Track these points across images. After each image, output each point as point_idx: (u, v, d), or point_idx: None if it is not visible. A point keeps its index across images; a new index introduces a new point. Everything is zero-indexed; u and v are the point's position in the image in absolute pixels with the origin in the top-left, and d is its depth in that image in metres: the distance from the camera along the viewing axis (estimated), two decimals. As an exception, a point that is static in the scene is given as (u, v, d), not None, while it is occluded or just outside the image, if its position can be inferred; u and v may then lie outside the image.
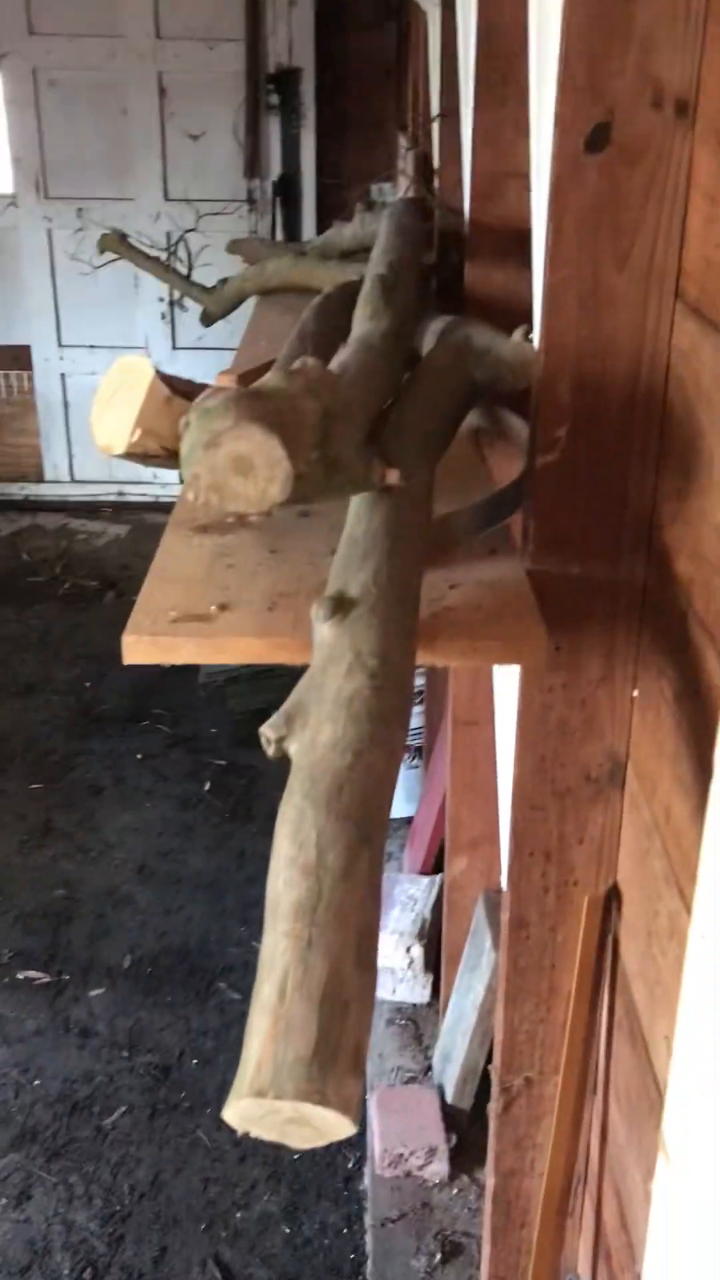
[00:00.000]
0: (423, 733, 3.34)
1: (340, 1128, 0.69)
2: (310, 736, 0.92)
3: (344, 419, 1.07)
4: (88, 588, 5.26)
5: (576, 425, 1.18)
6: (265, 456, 0.93)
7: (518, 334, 1.35)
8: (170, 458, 1.04)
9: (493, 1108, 1.56)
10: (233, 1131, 2.32)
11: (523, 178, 1.64)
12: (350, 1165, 2.52)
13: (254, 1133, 0.71)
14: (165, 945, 3.15)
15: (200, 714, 4.27)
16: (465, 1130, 2.36)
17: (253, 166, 5.27)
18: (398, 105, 4.82)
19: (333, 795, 0.87)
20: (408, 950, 2.67)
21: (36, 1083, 2.74)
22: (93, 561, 5.48)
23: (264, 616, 1.14)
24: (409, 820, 3.33)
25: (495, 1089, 1.53)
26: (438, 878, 2.82)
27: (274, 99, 5.22)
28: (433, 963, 2.72)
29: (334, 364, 1.22)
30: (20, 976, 3.05)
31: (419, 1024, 2.70)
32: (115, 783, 3.89)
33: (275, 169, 5.32)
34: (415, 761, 3.39)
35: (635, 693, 1.29)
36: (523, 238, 1.57)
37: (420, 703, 3.32)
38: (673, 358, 1.15)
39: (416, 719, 3.33)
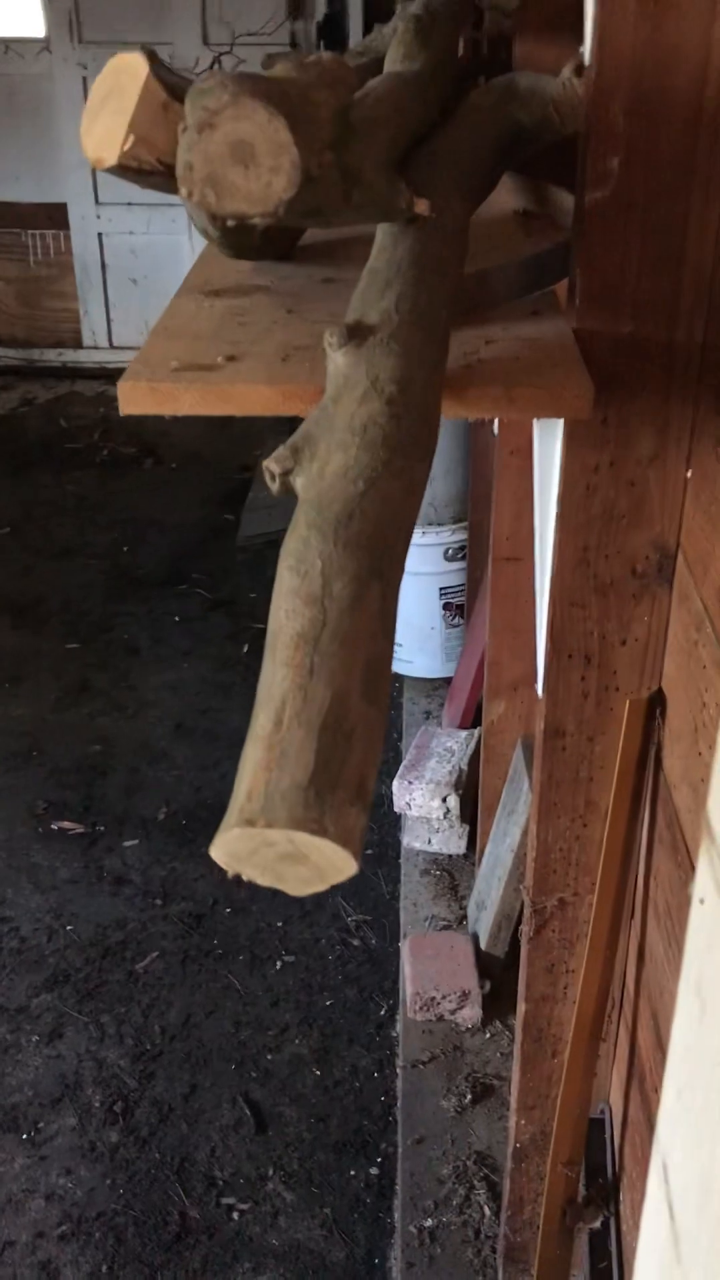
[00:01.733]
0: (464, 590, 3.23)
1: (340, 864, 0.60)
2: (319, 467, 0.82)
3: (366, 130, 0.94)
4: (126, 454, 5.16)
5: (631, 153, 1.04)
6: (269, 141, 0.80)
7: (566, 70, 1.20)
8: (168, 174, 0.92)
9: (524, 930, 1.49)
10: (265, 976, 2.29)
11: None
12: (383, 1012, 2.49)
13: (245, 874, 0.63)
14: (200, 799, 3.12)
15: (239, 578, 4.19)
16: (499, 977, 2.32)
17: (295, 6, 4.97)
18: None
19: (341, 523, 0.77)
20: (444, 800, 2.60)
21: (69, 928, 2.73)
22: (131, 428, 5.36)
23: (275, 366, 1.03)
24: (449, 681, 3.25)
25: (527, 911, 1.46)
26: (476, 730, 2.74)
27: (319, -71, 4.91)
28: (470, 814, 2.66)
29: (361, 90, 1.08)
30: (55, 826, 3.03)
31: (454, 874, 2.65)
32: (152, 643, 3.83)
33: (320, 9, 5.03)
34: (456, 620, 3.29)
35: (689, 473, 1.17)
36: (575, 6, 1.41)
37: (462, 559, 3.21)
38: (745, 68, 1.00)
39: (457, 576, 3.23)
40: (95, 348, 5.79)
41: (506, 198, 1.53)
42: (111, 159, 0.92)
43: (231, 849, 0.62)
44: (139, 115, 0.91)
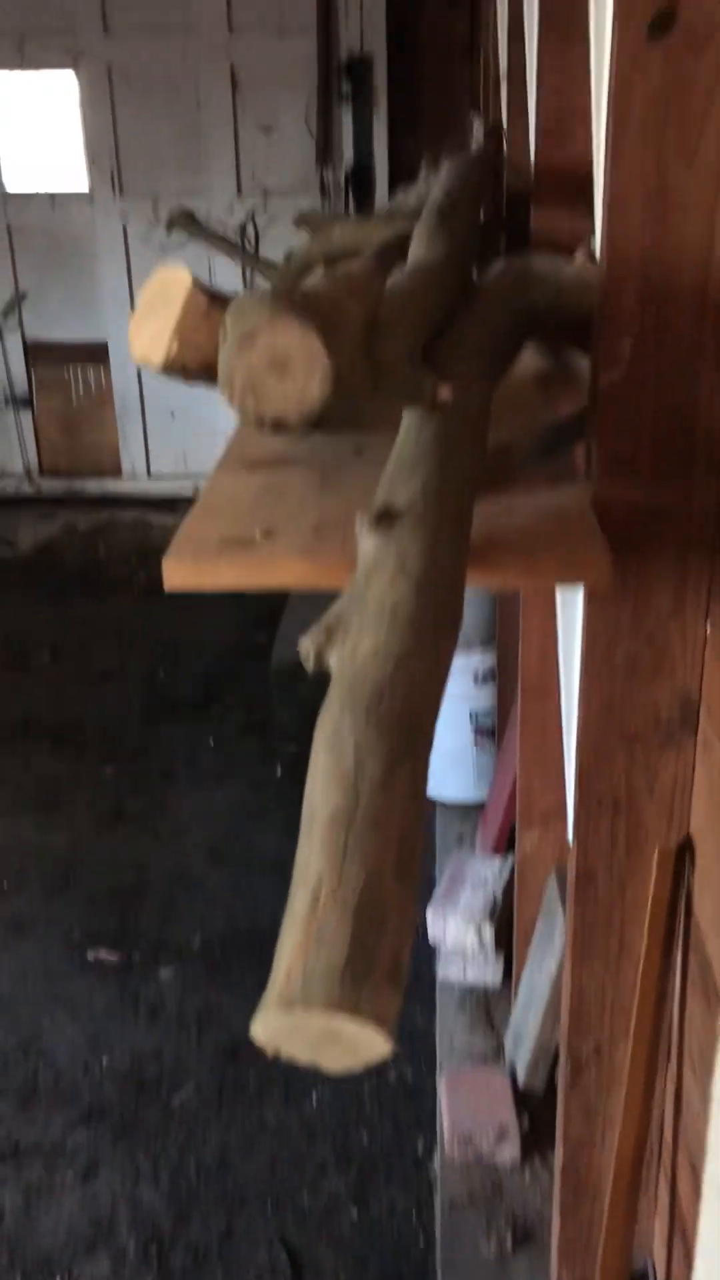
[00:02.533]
0: (495, 714, 3.26)
1: (375, 1045, 0.63)
2: (351, 646, 0.87)
3: (392, 326, 1.02)
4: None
5: (642, 337, 1.11)
6: (303, 352, 0.88)
7: (580, 254, 1.29)
8: (209, 372, 1.00)
9: (561, 1075, 1.49)
10: (301, 1111, 2.30)
11: (588, 117, 1.58)
12: (420, 1148, 2.46)
13: (284, 1052, 0.66)
14: (235, 927, 3.12)
15: (272, 700, 4.24)
16: (538, 1113, 2.29)
17: (325, 155, 5.25)
18: (470, 87, 4.76)
19: (373, 704, 0.81)
20: (478, 930, 2.60)
21: (105, 1060, 2.73)
22: (168, 554, 5.49)
23: (310, 541, 1.10)
24: (482, 806, 3.26)
25: (563, 1056, 1.46)
26: (509, 857, 2.75)
27: (346, 87, 5.20)
28: (504, 943, 2.65)
29: (388, 285, 1.17)
30: (91, 956, 3.04)
31: (490, 1006, 2.63)
32: (187, 767, 3.88)
33: (348, 157, 5.30)
34: (488, 744, 3.32)
35: (709, 627, 1.22)
36: (588, 180, 1.51)
37: (492, 682, 3.25)
38: (745, 260, 1.08)
39: (488, 700, 3.26)
40: (134, 477, 5.98)
41: (526, 357, 1.61)
42: (158, 361, 1.00)
43: (271, 1028, 0.65)
44: (183, 322, 1.00)
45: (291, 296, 0.89)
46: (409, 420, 1.09)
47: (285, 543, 1.09)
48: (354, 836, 0.73)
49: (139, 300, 1.02)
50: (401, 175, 5.22)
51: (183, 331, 0.99)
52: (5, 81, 5.38)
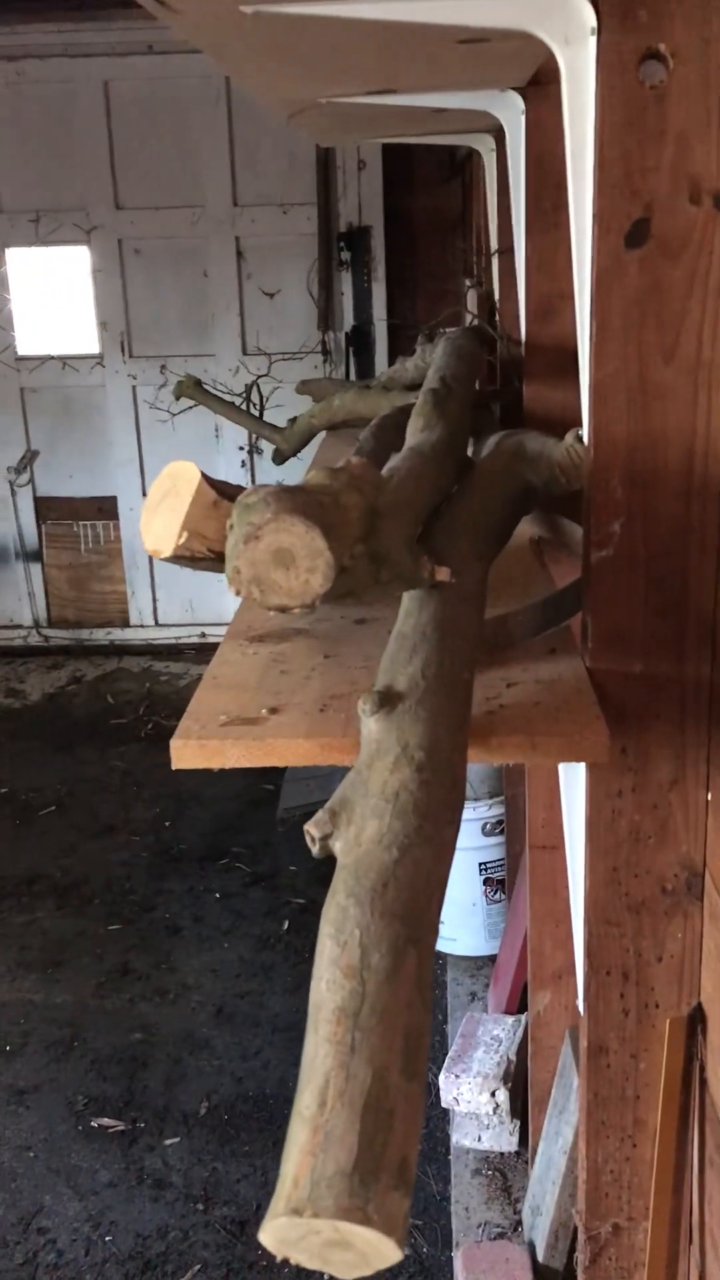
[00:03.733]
0: (504, 865, 3.24)
1: (385, 1251, 0.63)
2: (355, 832, 0.89)
3: (391, 515, 1.06)
4: (169, 728, 5.27)
5: (631, 519, 1.16)
6: (306, 548, 0.92)
7: (570, 436, 1.35)
8: (217, 559, 1.04)
9: (579, 1259, 1.44)
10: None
11: (573, 298, 1.67)
12: (437, 1333, 2.35)
13: (294, 1258, 0.66)
14: (242, 1091, 3.04)
15: (279, 852, 4.21)
16: (559, 1293, 2.19)
17: (326, 319, 5.49)
18: (463, 255, 5.01)
19: (378, 892, 0.82)
20: (493, 1094, 2.53)
21: (108, 1239, 2.62)
22: (175, 702, 5.53)
23: (314, 718, 1.12)
24: (493, 959, 3.21)
25: (581, 1237, 1.42)
26: (523, 1017, 2.69)
27: (345, 255, 5.46)
28: (520, 1108, 2.57)
29: (385, 469, 1.22)
30: (95, 1124, 2.96)
31: (507, 1174, 2.54)
32: (193, 922, 3.83)
33: (348, 320, 5.53)
34: (498, 896, 3.28)
35: (710, 795, 1.23)
36: (576, 355, 1.59)
37: (500, 833, 3.23)
38: (727, 446, 1.13)
39: (497, 850, 3.24)
40: (141, 625, 6.06)
41: (521, 526, 1.66)
42: (168, 551, 1.04)
43: (280, 1235, 0.65)
44: (192, 514, 1.04)
45: (294, 494, 0.94)
46: (408, 601, 1.13)
47: (290, 720, 1.11)
48: (360, 1031, 0.73)
49: (149, 494, 1.07)
50: (399, 336, 5.45)
51: (191, 523, 1.03)
52: (22, 257, 5.65)
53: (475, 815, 3.23)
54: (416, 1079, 0.72)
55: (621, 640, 1.20)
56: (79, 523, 5.94)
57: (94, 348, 5.73)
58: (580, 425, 1.35)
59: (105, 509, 5.93)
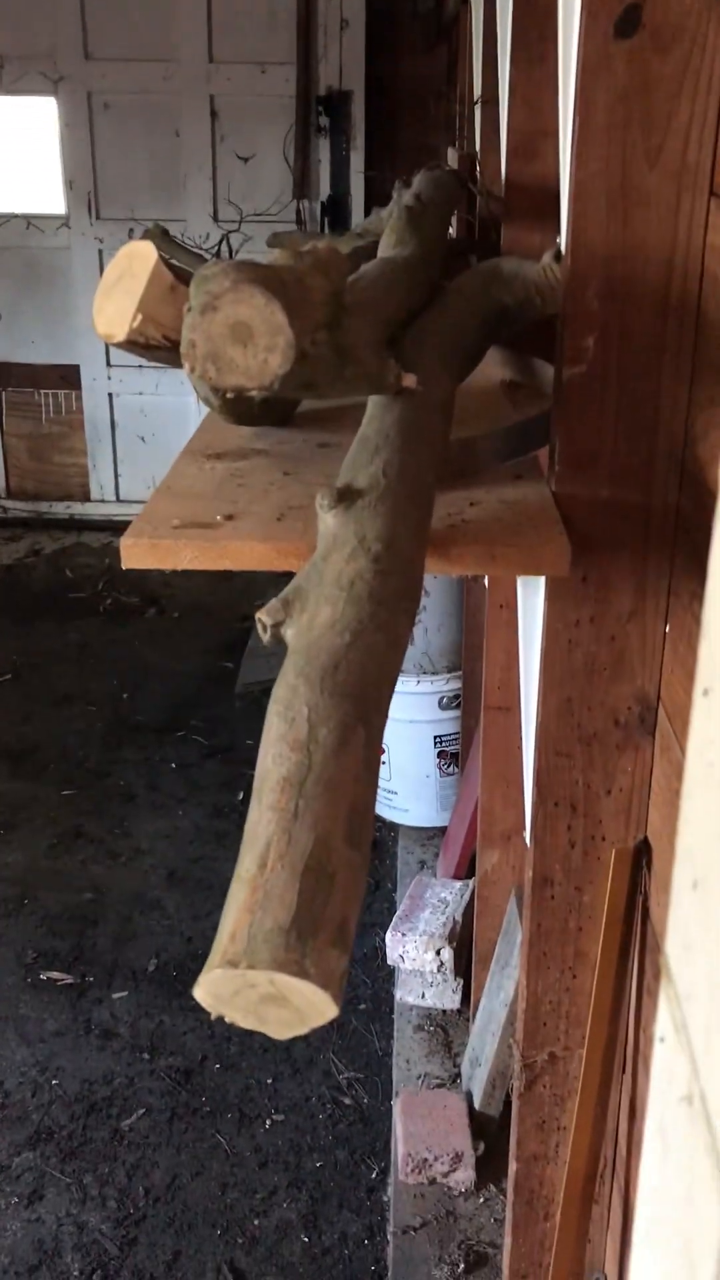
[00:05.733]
0: (459, 739, 3.26)
1: (321, 1006, 0.62)
2: (308, 619, 0.86)
3: (358, 312, 1.02)
4: (129, 604, 5.25)
5: (605, 334, 1.12)
6: (265, 323, 0.87)
7: (546, 256, 1.30)
8: (173, 349, 1.00)
9: (514, 1086, 1.47)
10: (254, 1136, 2.25)
11: (557, 137, 1.60)
12: (374, 1174, 2.41)
13: (228, 1016, 0.64)
14: (191, 950, 3.08)
15: (236, 725, 4.22)
16: (493, 1138, 2.25)
17: (301, 187, 5.31)
18: (447, 123, 4.83)
19: (327, 672, 0.80)
20: (437, 953, 2.57)
21: (55, 1083, 2.67)
22: (135, 579, 5.47)
23: (271, 525, 1.09)
24: (444, 830, 3.24)
25: (517, 1066, 1.44)
26: (470, 882, 2.73)
27: (324, 121, 5.26)
28: (464, 968, 2.62)
29: (355, 273, 1.17)
30: (44, 977, 2.99)
31: (448, 1030, 2.60)
32: (148, 791, 3.84)
33: (325, 189, 5.35)
34: (451, 769, 3.31)
35: (667, 628, 1.22)
36: (557, 196, 1.53)
37: (456, 708, 3.24)
38: (707, 260, 1.09)
39: (452, 725, 3.26)
40: (102, 501, 5.96)
41: (494, 369, 1.62)
42: (121, 335, 1.00)
43: (215, 990, 0.63)
44: (147, 296, 0.99)
45: (256, 267, 0.89)
46: (373, 406, 1.09)
47: (246, 525, 1.08)
48: (305, 799, 0.72)
49: (105, 275, 1.02)
50: (376, 207, 5.28)
51: (146, 305, 0.99)
52: (-17, 105, 5.40)
53: (432, 689, 3.23)
54: (360, 848, 0.71)
55: (589, 464, 1.16)
56: (40, 391, 5.79)
57: (60, 208, 5.52)
58: (558, 242, 1.30)
59: (68, 378, 5.77)
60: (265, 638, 0.89)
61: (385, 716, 0.82)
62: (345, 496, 0.94)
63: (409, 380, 1.06)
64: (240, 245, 2.98)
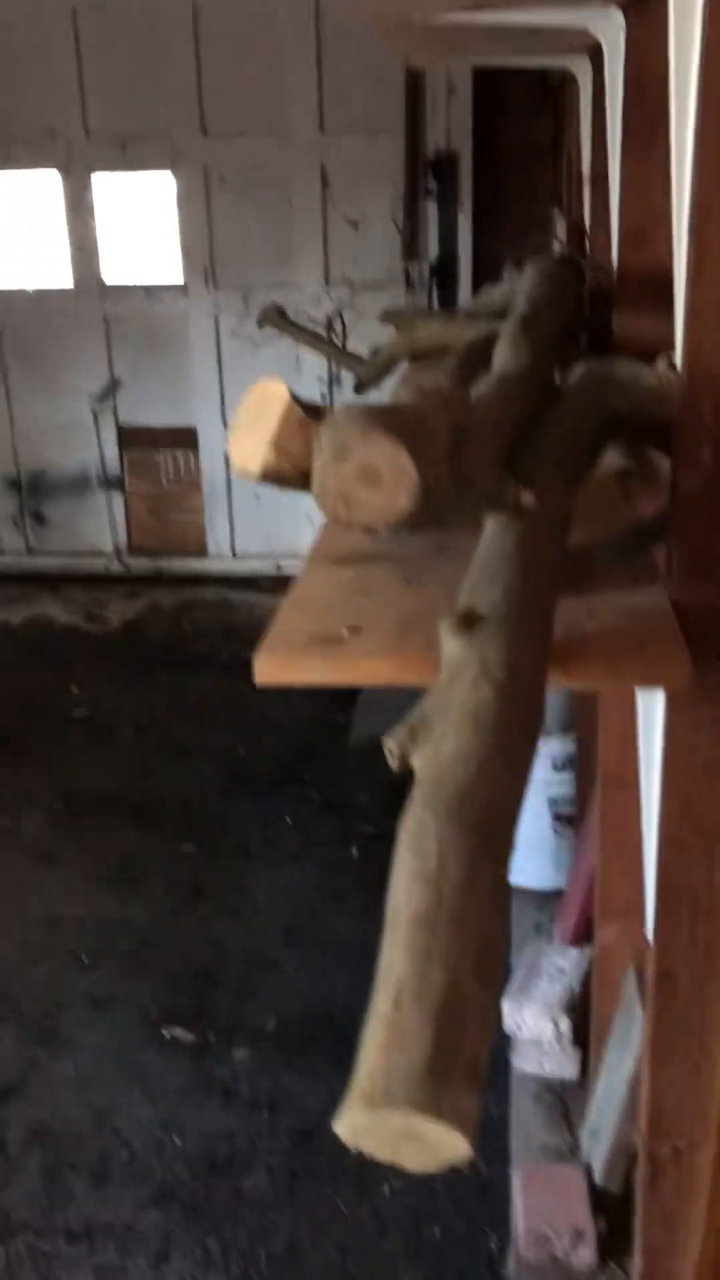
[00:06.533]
0: (574, 802, 3.25)
1: (455, 1145, 0.65)
2: (434, 748, 0.90)
3: (477, 437, 1.06)
4: (245, 657, 5.32)
5: (717, 447, 1.14)
6: (393, 466, 0.93)
7: (661, 362, 1.33)
8: (304, 479, 1.05)
9: (639, 1179, 1.47)
10: (373, 1201, 2.29)
11: (669, 223, 1.63)
12: (493, 1245, 2.41)
13: (366, 1149, 0.68)
14: (308, 1010, 3.12)
15: (350, 779, 4.27)
16: (615, 1215, 2.23)
17: (410, 249, 5.41)
18: (553, 185, 4.89)
19: (455, 806, 0.84)
20: (555, 1023, 2.57)
21: (178, 1141, 2.73)
22: (250, 632, 5.55)
23: (394, 638, 1.13)
24: (560, 893, 3.23)
25: (641, 1159, 1.45)
26: (587, 949, 2.72)
27: (432, 184, 5.36)
28: (582, 1037, 2.61)
29: (473, 392, 1.22)
30: (167, 1034, 3.06)
31: (567, 1100, 2.58)
32: (264, 845, 3.91)
33: (432, 251, 5.45)
34: (566, 831, 3.30)
35: (788, 729, 1.23)
36: (669, 283, 1.56)
37: (571, 770, 3.24)
38: None
39: (567, 787, 3.25)
40: (219, 556, 6.11)
41: (607, 458, 1.65)
42: (256, 469, 1.06)
43: (354, 1125, 0.68)
44: (280, 432, 1.05)
45: (383, 412, 0.94)
46: (492, 525, 1.13)
47: (371, 640, 1.13)
48: (435, 938, 0.75)
49: (239, 412, 1.08)
50: (484, 268, 5.35)
51: (279, 443, 1.05)
52: (107, 182, 5.65)
53: (546, 751, 3.24)
54: (490, 986, 0.74)
55: (706, 571, 1.19)
56: (160, 451, 5.99)
57: (178, 277, 5.72)
58: (672, 350, 1.33)
59: (185, 439, 5.96)
60: (393, 764, 0.93)
61: (512, 846, 0.85)
62: (468, 622, 0.98)
63: (527, 498, 1.10)
64: (353, 319, 3.05)
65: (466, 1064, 0.68)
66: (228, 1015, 3.12)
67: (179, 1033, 3.06)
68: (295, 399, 1.06)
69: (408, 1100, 0.66)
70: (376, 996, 0.73)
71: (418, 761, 0.91)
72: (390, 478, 0.93)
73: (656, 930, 1.32)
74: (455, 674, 0.95)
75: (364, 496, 0.94)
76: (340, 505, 0.94)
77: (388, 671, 1.09)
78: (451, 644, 0.97)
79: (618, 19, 1.76)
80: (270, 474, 1.05)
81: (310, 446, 1.03)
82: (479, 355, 1.67)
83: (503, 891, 0.81)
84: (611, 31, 1.83)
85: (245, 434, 1.06)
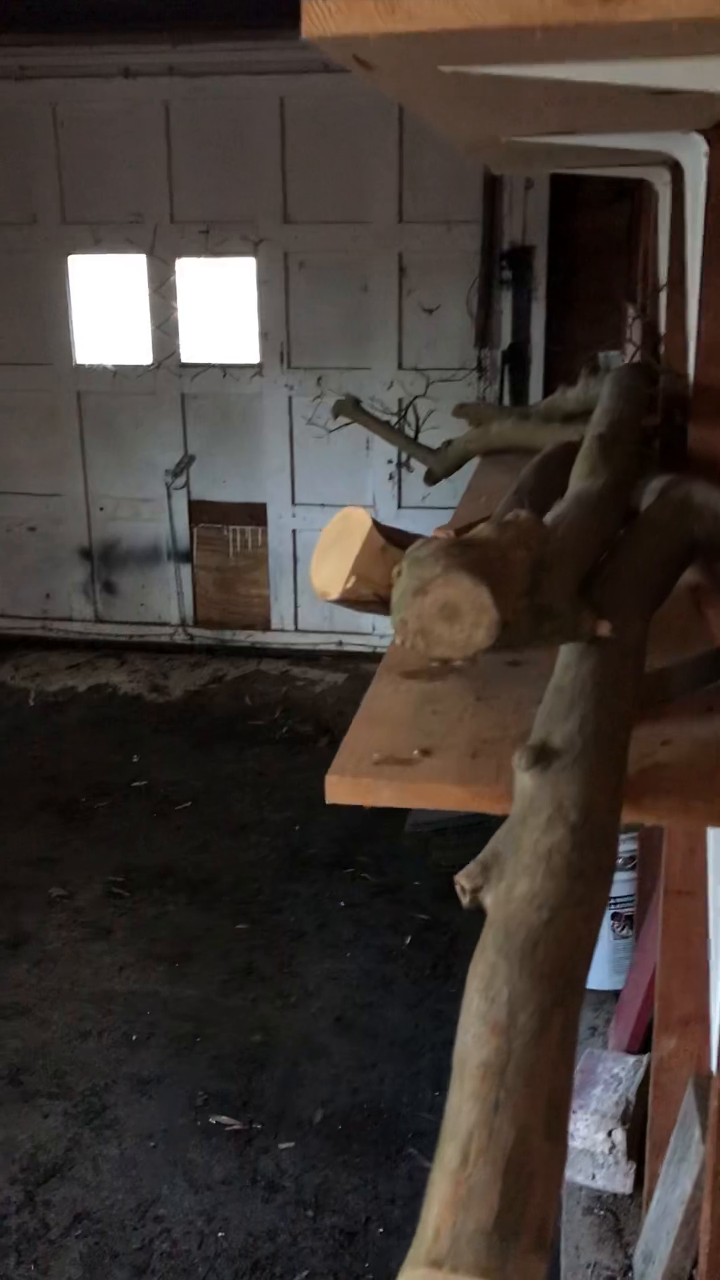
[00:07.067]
0: (634, 901, 3.20)
1: (518, 1308, 0.65)
2: (506, 889, 0.90)
3: (555, 569, 1.07)
4: (304, 732, 5.39)
5: None
6: (472, 604, 0.94)
7: (737, 490, 1.33)
8: (383, 604, 1.07)
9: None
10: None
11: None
12: None
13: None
14: (357, 1102, 3.08)
15: (405, 864, 4.24)
16: (668, 1346, 2.15)
17: (483, 337, 5.49)
18: (627, 279, 4.95)
19: (527, 952, 0.84)
20: (609, 1134, 2.50)
21: (220, 1234, 2.69)
22: (310, 707, 5.62)
23: (466, 763, 1.14)
24: (616, 994, 3.17)
25: (700, 1299, 1.40)
26: (645, 1057, 2.65)
27: (506, 274, 5.46)
28: (637, 1150, 2.54)
29: (549, 517, 1.23)
30: (213, 1120, 3.03)
31: (619, 1216, 2.51)
32: (318, 929, 3.89)
33: (505, 339, 5.53)
34: (625, 931, 3.24)
35: None
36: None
37: (632, 868, 3.19)
38: None
39: (627, 886, 3.20)
40: (282, 630, 6.17)
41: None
42: (335, 594, 1.08)
43: (417, 1282, 0.67)
44: (361, 559, 1.07)
45: (463, 550, 0.96)
46: (567, 653, 1.13)
47: (441, 763, 1.13)
48: (505, 1090, 0.75)
49: (322, 536, 1.11)
50: (556, 357, 5.42)
51: (360, 567, 1.07)
52: (191, 266, 5.82)
53: (607, 848, 3.19)
54: (558, 1142, 0.73)
55: (780, 704, 1.18)
56: (229, 527, 6.09)
57: (254, 357, 5.86)
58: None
59: (255, 515, 6.05)
60: (464, 900, 0.93)
61: (583, 996, 0.85)
62: (542, 757, 0.98)
63: (603, 628, 1.11)
64: (426, 415, 3.10)
65: (535, 1226, 0.67)
66: (275, 1103, 3.09)
67: (225, 1120, 3.03)
68: (378, 526, 1.08)
69: (474, 1264, 0.65)
70: (443, 1146, 0.73)
71: (490, 900, 0.91)
72: (470, 615, 0.94)
73: (722, 1064, 1.30)
74: (528, 811, 0.95)
75: (442, 631, 0.95)
76: (419, 639, 0.96)
77: (458, 799, 1.09)
78: (525, 779, 0.98)
79: (700, 144, 1.80)
80: (349, 599, 1.07)
81: (390, 572, 1.05)
82: (556, 467, 1.69)
83: (572, 1043, 0.81)
84: (693, 154, 1.86)
85: (327, 558, 1.09)
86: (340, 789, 1.11)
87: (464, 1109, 0.74)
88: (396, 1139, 2.93)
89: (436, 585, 0.94)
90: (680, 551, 1.33)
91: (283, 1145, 2.94)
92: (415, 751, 1.16)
